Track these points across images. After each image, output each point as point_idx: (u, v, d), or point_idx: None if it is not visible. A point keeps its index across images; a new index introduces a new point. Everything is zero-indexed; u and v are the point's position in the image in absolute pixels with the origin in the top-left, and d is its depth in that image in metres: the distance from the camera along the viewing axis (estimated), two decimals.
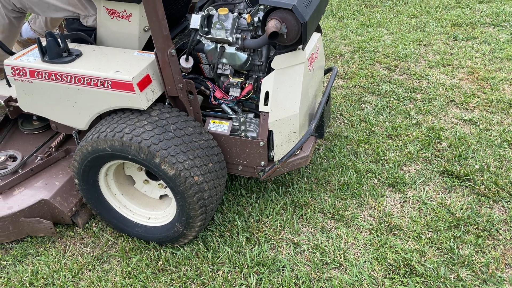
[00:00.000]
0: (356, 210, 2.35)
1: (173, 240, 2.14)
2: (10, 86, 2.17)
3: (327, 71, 2.62)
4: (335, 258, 2.10)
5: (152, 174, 2.20)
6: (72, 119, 2.10)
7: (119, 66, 1.94)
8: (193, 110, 2.09)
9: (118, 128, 1.91)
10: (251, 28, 1.99)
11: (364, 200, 2.40)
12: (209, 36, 1.99)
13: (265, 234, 2.24)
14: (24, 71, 2.01)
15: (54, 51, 1.97)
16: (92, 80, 1.91)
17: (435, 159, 2.64)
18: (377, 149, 2.72)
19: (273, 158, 2.14)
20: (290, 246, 2.18)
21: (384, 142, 2.79)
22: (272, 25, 1.81)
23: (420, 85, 3.33)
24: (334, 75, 2.47)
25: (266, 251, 2.15)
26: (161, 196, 2.27)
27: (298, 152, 2.21)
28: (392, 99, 3.19)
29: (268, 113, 2.03)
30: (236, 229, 2.26)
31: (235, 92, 2.11)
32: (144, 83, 1.92)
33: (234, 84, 2.10)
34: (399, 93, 3.24)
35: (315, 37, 2.25)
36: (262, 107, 2.03)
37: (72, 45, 2.13)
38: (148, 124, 1.91)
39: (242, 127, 2.10)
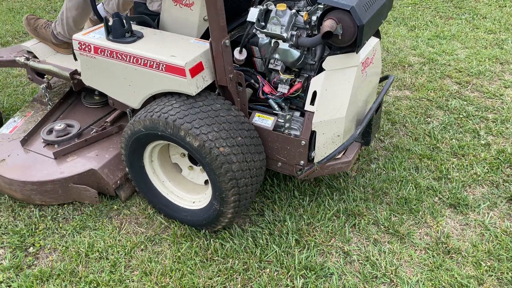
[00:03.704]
0: (413, 227, 2.26)
1: (214, 221, 2.13)
2: (76, 59, 2.30)
3: (384, 78, 2.53)
4: (386, 273, 2.03)
5: (194, 160, 2.25)
6: (127, 97, 2.19)
7: (175, 51, 2.00)
8: (241, 101, 2.10)
9: (150, 109, 2.00)
10: (308, 26, 1.98)
11: (422, 218, 2.30)
12: (265, 30, 2.00)
13: (315, 238, 2.21)
14: (89, 47, 2.14)
15: (118, 31, 2.08)
16: (149, 61, 1.99)
17: (503, 184, 2.49)
18: (441, 166, 2.60)
19: (313, 158, 2.11)
20: (339, 254, 2.14)
21: (448, 160, 2.66)
22: (327, 24, 1.78)
23: (493, 105, 3.15)
24: (390, 83, 2.39)
25: (314, 255, 2.12)
26: (206, 182, 2.30)
27: (340, 157, 2.16)
28: (461, 116, 3.04)
29: (313, 113, 2.00)
30: (286, 229, 2.25)
31: (283, 89, 2.10)
32: (196, 69, 1.96)
33: (284, 81, 2.09)
34: (469, 110, 3.08)
35: (372, 41, 2.19)
36: (308, 106, 2.02)
37: (136, 28, 2.22)
38: (177, 102, 1.98)
39: (287, 124, 2.08)
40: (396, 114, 3.09)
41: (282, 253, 2.13)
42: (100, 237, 2.24)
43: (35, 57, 2.82)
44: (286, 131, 2.09)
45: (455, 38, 4.12)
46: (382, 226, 2.26)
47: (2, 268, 2.09)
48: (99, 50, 2.11)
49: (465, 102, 3.18)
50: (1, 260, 2.15)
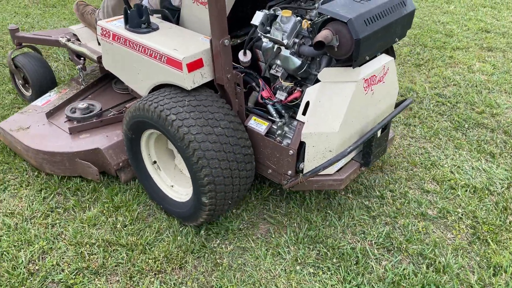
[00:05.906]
0: None
1: (194, 215, 2.14)
2: (99, 44, 2.45)
3: (402, 102, 2.35)
4: None
5: None
6: (136, 84, 2.35)
7: (180, 45, 2.07)
8: (238, 102, 2.12)
9: (146, 98, 2.11)
10: (311, 35, 1.95)
11: None
12: (268, 35, 2.02)
13: None
14: (108, 33, 2.31)
15: (134, 21, 2.21)
16: (154, 52, 2.10)
17: None
18: None
19: (302, 170, 2.08)
20: None
21: None
22: (322, 34, 1.78)
23: None
24: (404, 106, 2.25)
25: None
26: None
27: (332, 173, 2.14)
28: None
29: (304, 123, 1.99)
30: None
31: (281, 96, 2.11)
32: (194, 65, 2.01)
33: (283, 88, 2.11)
34: None
35: (383, 59, 2.11)
36: (299, 116, 2.01)
37: (155, 20, 2.34)
38: (170, 94, 2.06)
39: (279, 131, 2.08)
40: None
41: None
42: None
43: (78, 40, 3.01)
44: (278, 138, 2.08)
45: None
46: None
47: None
48: (116, 37, 2.27)
49: None
50: None
